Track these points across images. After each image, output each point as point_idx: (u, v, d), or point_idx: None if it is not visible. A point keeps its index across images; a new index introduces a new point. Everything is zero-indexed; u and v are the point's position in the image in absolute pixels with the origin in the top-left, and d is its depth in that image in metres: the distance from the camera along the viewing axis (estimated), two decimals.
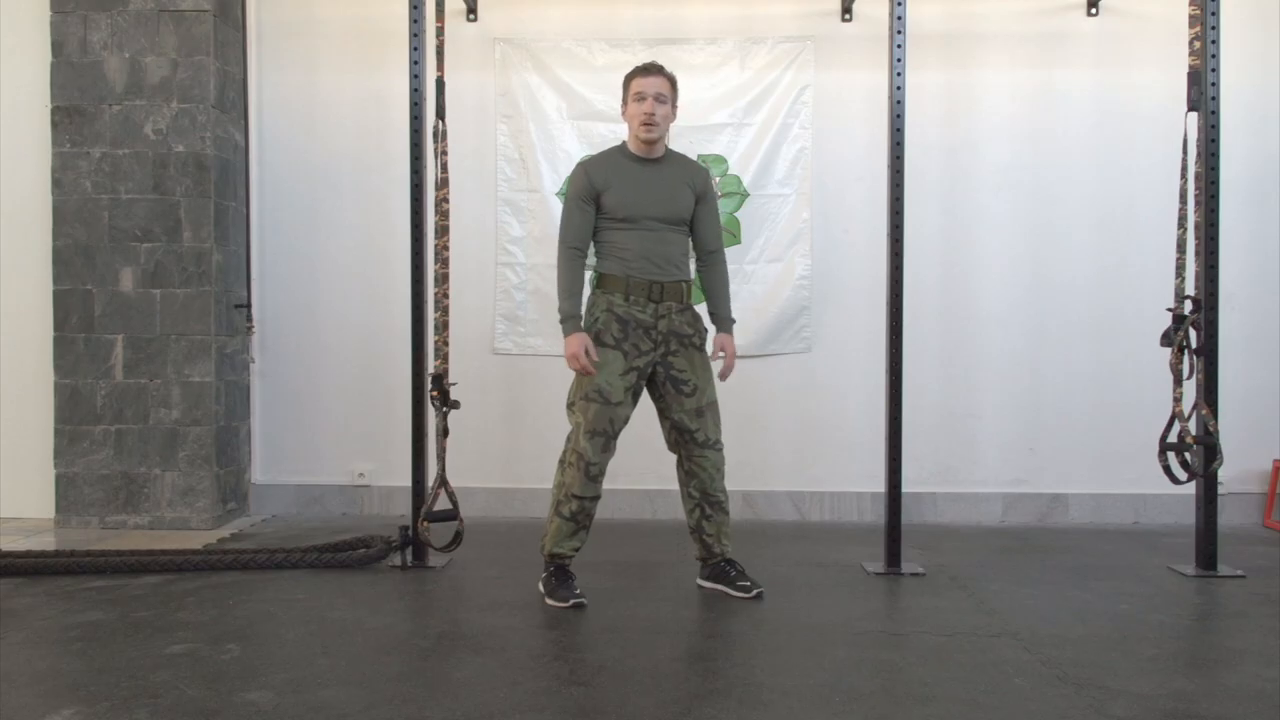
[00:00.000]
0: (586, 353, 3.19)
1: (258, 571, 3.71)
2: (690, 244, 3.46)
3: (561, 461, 3.36)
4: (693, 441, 3.34)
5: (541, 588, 3.36)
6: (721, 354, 3.40)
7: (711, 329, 3.46)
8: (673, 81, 3.34)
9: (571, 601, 3.22)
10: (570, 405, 3.34)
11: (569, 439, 3.35)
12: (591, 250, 3.41)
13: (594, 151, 4.71)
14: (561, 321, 3.25)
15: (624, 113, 3.36)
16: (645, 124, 3.26)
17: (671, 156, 3.44)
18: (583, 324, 3.28)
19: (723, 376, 3.42)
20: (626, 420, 3.30)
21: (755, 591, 3.35)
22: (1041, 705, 2.39)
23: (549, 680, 2.56)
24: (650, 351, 3.27)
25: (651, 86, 3.27)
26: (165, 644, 2.83)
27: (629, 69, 3.27)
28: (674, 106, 3.35)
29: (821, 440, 4.80)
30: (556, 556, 3.34)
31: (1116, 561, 3.94)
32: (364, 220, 4.85)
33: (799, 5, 4.76)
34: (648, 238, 3.29)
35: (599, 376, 3.22)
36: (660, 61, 3.42)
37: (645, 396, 3.40)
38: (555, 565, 3.35)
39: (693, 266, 3.47)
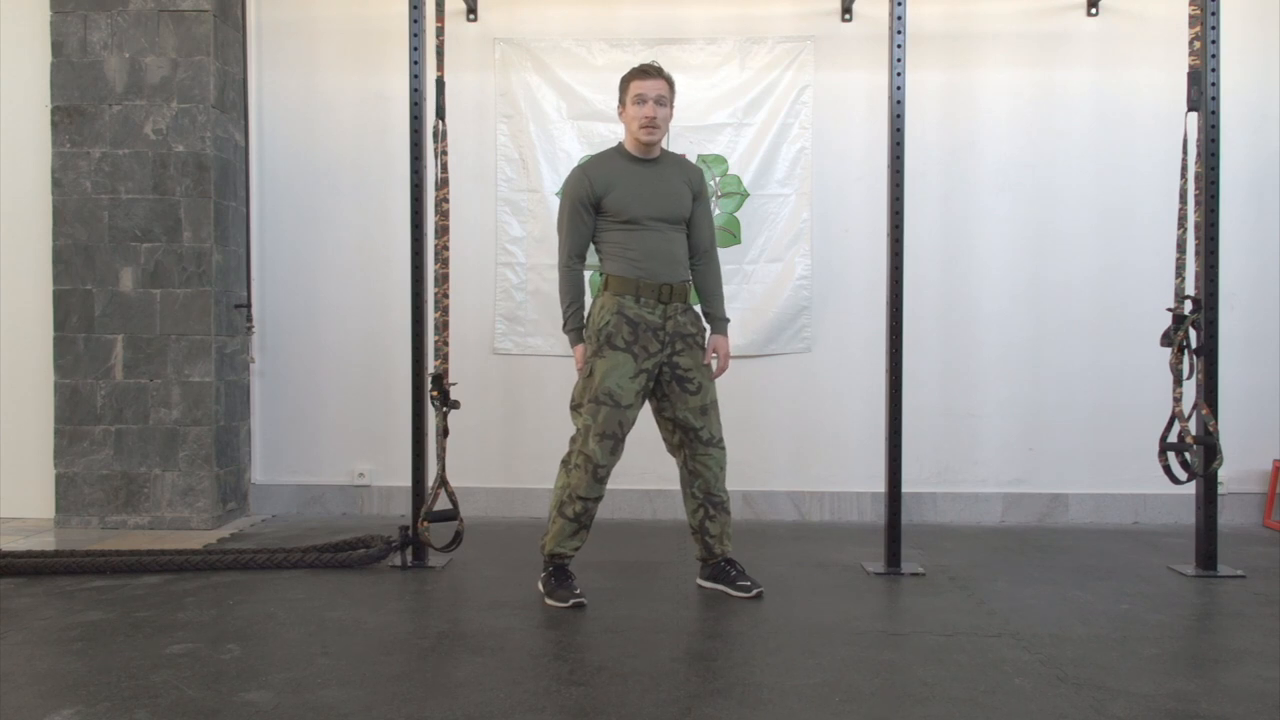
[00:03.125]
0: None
1: (258, 571, 3.71)
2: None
3: (565, 463, 3.34)
4: (697, 440, 3.34)
5: (541, 588, 3.36)
6: (715, 356, 3.41)
7: (706, 329, 3.46)
8: (671, 83, 3.34)
9: (571, 602, 3.23)
10: (576, 407, 3.32)
11: (574, 440, 3.33)
12: (592, 250, 3.41)
13: (594, 152, 4.75)
14: (567, 331, 3.37)
15: (621, 114, 3.36)
16: (646, 127, 3.26)
17: (667, 156, 3.44)
18: (593, 327, 3.29)
19: (721, 368, 3.44)
20: (633, 422, 3.30)
21: (755, 591, 3.35)
22: (1041, 705, 2.39)
23: (549, 680, 2.56)
24: (658, 353, 3.27)
25: (652, 89, 3.26)
26: (165, 644, 2.83)
27: (628, 69, 3.25)
28: (672, 107, 3.36)
29: (821, 440, 4.80)
30: (557, 556, 3.34)
31: (1116, 561, 3.94)
32: (364, 220, 4.85)
33: (799, 5, 4.76)
34: (654, 238, 3.29)
35: (609, 380, 3.21)
36: (660, 61, 3.43)
37: None
38: (555, 565, 3.35)
39: None
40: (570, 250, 3.34)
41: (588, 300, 3.42)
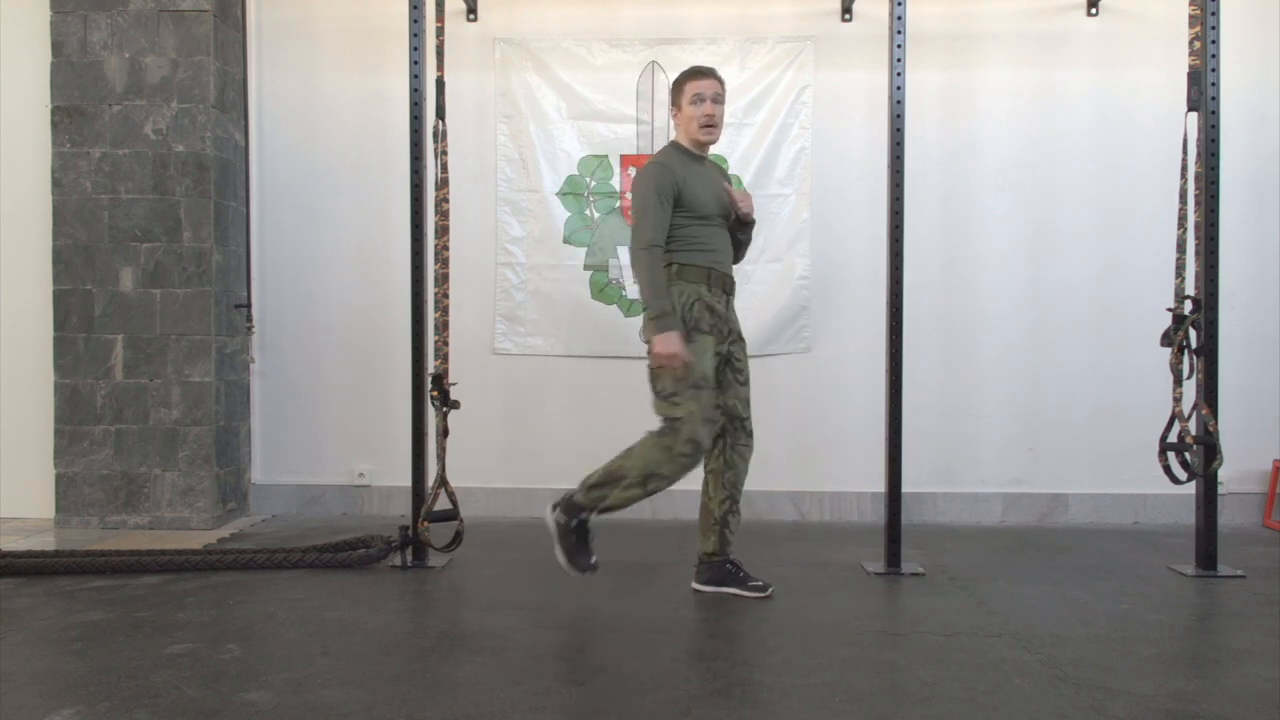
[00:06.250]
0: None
1: (258, 571, 3.70)
2: None
3: (669, 449, 3.19)
4: (741, 429, 3.39)
5: (557, 536, 3.28)
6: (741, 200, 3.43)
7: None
8: (723, 82, 3.40)
9: (588, 569, 3.26)
10: (669, 396, 3.21)
11: (671, 432, 3.20)
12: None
13: (593, 152, 4.79)
14: (658, 317, 3.17)
15: (676, 116, 3.41)
16: (706, 125, 3.32)
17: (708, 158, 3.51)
18: (678, 314, 3.24)
19: (746, 207, 3.45)
20: None
21: (769, 591, 3.37)
22: (1041, 705, 2.39)
23: (549, 680, 2.56)
24: (724, 340, 3.35)
25: (709, 89, 3.33)
26: (165, 644, 2.83)
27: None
28: (724, 106, 3.42)
29: (821, 440, 4.80)
30: (609, 509, 3.25)
31: (1116, 561, 3.94)
32: (364, 220, 4.85)
33: (799, 5, 4.76)
34: (721, 234, 3.38)
35: (703, 363, 3.22)
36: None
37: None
38: (583, 519, 3.27)
39: None
40: (653, 235, 3.24)
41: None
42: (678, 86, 3.39)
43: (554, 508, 3.35)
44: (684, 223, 3.31)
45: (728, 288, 3.38)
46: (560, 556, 3.29)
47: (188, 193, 4.49)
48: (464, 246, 4.61)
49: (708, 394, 3.22)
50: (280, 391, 4.91)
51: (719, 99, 3.34)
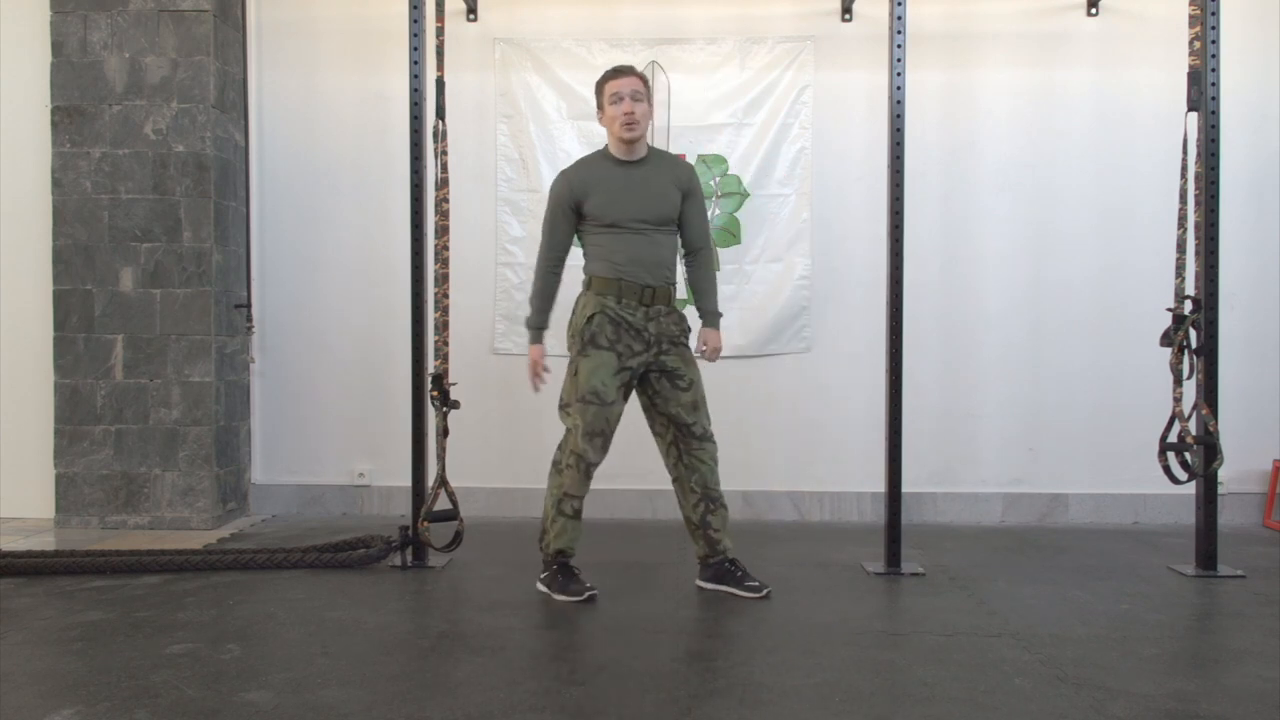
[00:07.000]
0: (539, 370, 3.45)
1: (258, 571, 3.71)
2: (678, 242, 3.47)
3: (556, 464, 3.40)
4: (690, 435, 3.35)
5: (546, 588, 3.37)
6: (704, 347, 3.47)
7: (696, 325, 3.48)
8: (645, 80, 3.34)
9: (585, 595, 3.28)
10: (564, 407, 3.37)
11: (563, 444, 3.40)
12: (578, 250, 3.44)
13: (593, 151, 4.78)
14: (528, 328, 3.46)
15: (601, 119, 3.37)
16: (627, 124, 3.26)
17: (655, 156, 3.42)
18: (575, 327, 3.33)
19: (709, 359, 3.48)
20: (619, 418, 3.33)
21: (764, 592, 3.35)
22: (1041, 705, 2.39)
23: (549, 680, 2.56)
24: (643, 353, 3.29)
25: (626, 86, 3.27)
26: (165, 644, 2.83)
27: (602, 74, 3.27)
28: (650, 104, 3.36)
29: (821, 440, 4.80)
30: (562, 553, 3.37)
31: (1116, 561, 3.94)
32: (364, 220, 4.85)
33: (799, 5, 4.76)
34: (637, 241, 3.30)
35: (594, 379, 3.24)
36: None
37: (633, 400, 3.42)
38: (559, 563, 3.38)
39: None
40: (547, 254, 3.42)
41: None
42: (598, 90, 3.35)
43: (538, 580, 3.46)
44: (591, 230, 3.35)
45: (647, 298, 3.28)
46: (560, 598, 3.32)
47: (188, 193, 4.49)
48: (464, 246, 4.60)
49: (595, 409, 3.24)
50: (280, 391, 4.91)
51: (638, 96, 3.27)
